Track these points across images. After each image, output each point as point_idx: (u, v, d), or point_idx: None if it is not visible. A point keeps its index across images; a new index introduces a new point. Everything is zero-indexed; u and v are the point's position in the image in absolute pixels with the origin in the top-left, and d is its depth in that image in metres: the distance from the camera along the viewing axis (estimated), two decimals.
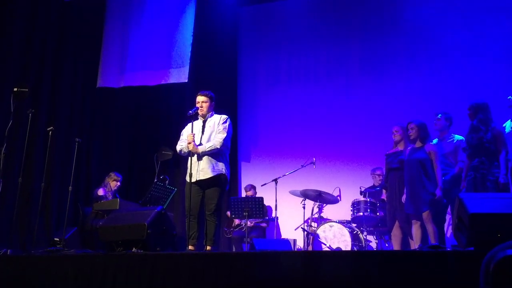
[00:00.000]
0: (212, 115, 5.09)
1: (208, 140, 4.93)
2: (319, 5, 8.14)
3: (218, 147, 4.86)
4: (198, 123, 4.99)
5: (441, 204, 5.21)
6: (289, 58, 8.16)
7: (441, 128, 5.69)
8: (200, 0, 7.51)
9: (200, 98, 5.04)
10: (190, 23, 7.35)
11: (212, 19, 8.08)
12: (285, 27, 8.20)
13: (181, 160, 5.13)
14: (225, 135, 4.92)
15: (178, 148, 5.08)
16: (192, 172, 4.70)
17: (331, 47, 7.92)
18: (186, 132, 5.11)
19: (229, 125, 5.03)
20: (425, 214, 5.09)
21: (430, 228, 5.08)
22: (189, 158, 4.85)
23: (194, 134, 4.87)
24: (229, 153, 5.08)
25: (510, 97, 5.14)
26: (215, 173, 4.86)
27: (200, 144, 4.88)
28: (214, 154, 4.89)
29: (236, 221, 7.07)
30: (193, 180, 4.71)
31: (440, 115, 5.71)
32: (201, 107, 4.99)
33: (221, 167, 4.90)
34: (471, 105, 5.14)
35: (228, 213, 6.79)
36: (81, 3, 7.44)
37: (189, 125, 5.07)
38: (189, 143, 4.83)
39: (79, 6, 7.45)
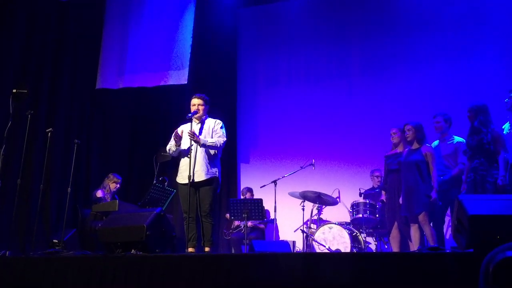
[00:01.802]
0: (206, 117, 5.16)
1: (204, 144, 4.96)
2: (318, 6, 8.15)
3: (218, 146, 4.99)
4: (194, 126, 5.00)
5: (437, 206, 5.21)
6: (289, 59, 8.17)
7: (441, 130, 5.69)
8: (200, 2, 7.52)
9: (196, 101, 5.08)
10: (189, 24, 7.36)
11: (211, 20, 8.10)
12: (284, 28, 8.21)
13: (180, 162, 5.14)
14: (225, 139, 5.07)
15: (167, 148, 5.15)
16: (188, 174, 4.72)
17: (330, 49, 7.93)
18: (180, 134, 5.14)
19: (222, 127, 5.15)
20: (421, 216, 5.10)
21: (427, 229, 5.09)
22: (185, 160, 4.88)
23: (182, 131, 4.95)
24: (220, 156, 5.16)
25: (507, 99, 5.14)
26: (209, 176, 4.93)
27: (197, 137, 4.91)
28: (210, 157, 4.96)
29: (236, 223, 7.07)
30: (187, 181, 4.73)
31: (438, 117, 5.69)
32: (198, 110, 5.03)
33: (215, 170, 4.99)
34: (471, 107, 5.14)
35: (227, 215, 6.79)
36: (80, 5, 7.45)
37: (181, 127, 5.12)
38: (188, 134, 4.84)
39: (79, 7, 7.46)
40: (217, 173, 4.99)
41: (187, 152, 4.88)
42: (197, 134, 4.92)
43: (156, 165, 7.05)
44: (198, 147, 4.93)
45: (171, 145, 5.08)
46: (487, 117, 5.03)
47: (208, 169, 4.92)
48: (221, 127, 5.11)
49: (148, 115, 8.42)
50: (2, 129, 5.46)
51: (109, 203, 6.21)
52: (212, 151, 5.00)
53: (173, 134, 5.01)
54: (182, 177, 4.93)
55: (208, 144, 4.92)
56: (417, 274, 3.01)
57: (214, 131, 5.07)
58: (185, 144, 4.98)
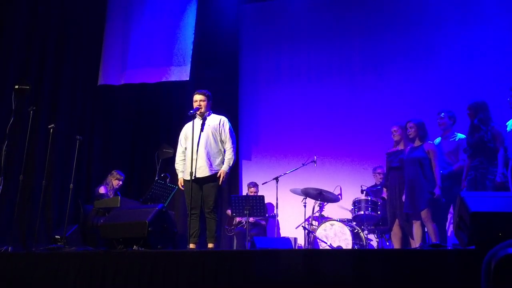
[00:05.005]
0: (210, 114, 5.15)
1: (207, 138, 5.01)
2: (320, 2, 8.13)
3: (234, 157, 5.08)
4: (196, 122, 5.00)
5: (440, 202, 5.20)
6: (291, 56, 8.15)
7: (445, 127, 5.69)
8: None
9: (198, 97, 5.09)
10: (191, 20, 7.35)
11: (213, 16, 8.08)
12: (287, 25, 8.20)
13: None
14: (231, 145, 5.09)
15: (176, 165, 5.20)
16: (190, 170, 4.72)
17: (333, 45, 7.92)
18: (183, 136, 5.15)
19: (230, 129, 5.15)
20: (424, 213, 5.10)
21: (429, 226, 5.09)
22: (189, 156, 4.89)
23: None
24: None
25: (509, 98, 5.13)
26: (213, 172, 4.96)
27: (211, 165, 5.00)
28: (213, 153, 4.96)
29: (237, 219, 7.08)
30: (192, 177, 4.73)
31: (443, 113, 5.70)
32: (200, 106, 5.02)
33: (219, 166, 4.99)
34: (471, 104, 5.12)
35: (229, 211, 6.80)
36: (82, 0, 7.45)
37: (186, 126, 5.13)
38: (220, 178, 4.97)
39: (81, 3, 7.45)
40: (220, 167, 5.01)
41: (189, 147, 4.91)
42: (195, 141, 4.89)
43: (158, 162, 7.05)
44: (201, 144, 4.94)
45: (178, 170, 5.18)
46: (487, 115, 5.02)
47: (211, 164, 4.94)
48: (229, 130, 5.12)
49: (150, 111, 8.42)
50: (4, 125, 5.48)
51: (111, 199, 6.22)
52: (215, 148, 5.01)
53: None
54: (186, 173, 4.95)
55: (230, 166, 5.02)
56: (418, 271, 3.01)
57: (220, 133, 5.07)
58: (188, 143, 4.98)
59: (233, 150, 5.08)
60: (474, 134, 5.03)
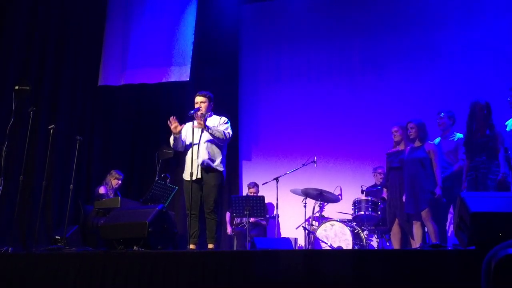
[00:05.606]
0: (211, 115, 5.16)
1: (207, 139, 4.98)
2: (320, 2, 8.13)
3: (222, 134, 4.94)
4: (195, 123, 5.00)
5: (441, 203, 5.20)
6: (291, 56, 8.15)
7: (444, 127, 5.69)
8: None
9: (198, 99, 5.10)
10: (191, 21, 7.35)
11: (213, 16, 8.08)
12: (287, 25, 8.20)
13: (182, 159, 5.14)
14: (231, 132, 5.05)
15: (170, 140, 5.17)
16: (190, 170, 4.72)
17: (333, 45, 7.92)
18: (184, 132, 5.15)
19: (228, 123, 5.14)
20: (424, 213, 5.10)
21: (430, 226, 5.09)
22: (189, 156, 4.89)
23: (175, 117, 5.02)
24: (226, 153, 5.14)
25: (509, 98, 5.13)
26: (213, 172, 4.89)
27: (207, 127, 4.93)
28: (213, 153, 4.95)
29: (235, 221, 7.07)
30: (192, 178, 4.72)
31: (442, 113, 5.71)
32: (200, 107, 5.03)
33: (218, 165, 4.96)
34: (480, 106, 5.10)
35: (228, 214, 6.81)
36: (82, 0, 7.45)
37: (187, 124, 5.14)
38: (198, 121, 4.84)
39: (81, 3, 7.45)
40: (220, 167, 5.01)
41: (189, 147, 4.89)
42: (195, 141, 4.87)
43: (158, 162, 7.05)
44: (201, 144, 4.94)
45: (171, 138, 5.10)
46: (490, 116, 5.02)
47: (211, 166, 4.93)
48: (226, 122, 5.12)
49: (150, 111, 8.42)
50: (4, 126, 5.48)
51: (111, 200, 6.22)
52: (215, 149, 5.00)
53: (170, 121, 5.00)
54: (186, 174, 4.95)
55: (213, 132, 4.90)
56: (418, 271, 3.00)
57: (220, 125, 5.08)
58: (188, 141, 4.99)
59: (228, 131, 5.03)
60: (477, 134, 5.02)
